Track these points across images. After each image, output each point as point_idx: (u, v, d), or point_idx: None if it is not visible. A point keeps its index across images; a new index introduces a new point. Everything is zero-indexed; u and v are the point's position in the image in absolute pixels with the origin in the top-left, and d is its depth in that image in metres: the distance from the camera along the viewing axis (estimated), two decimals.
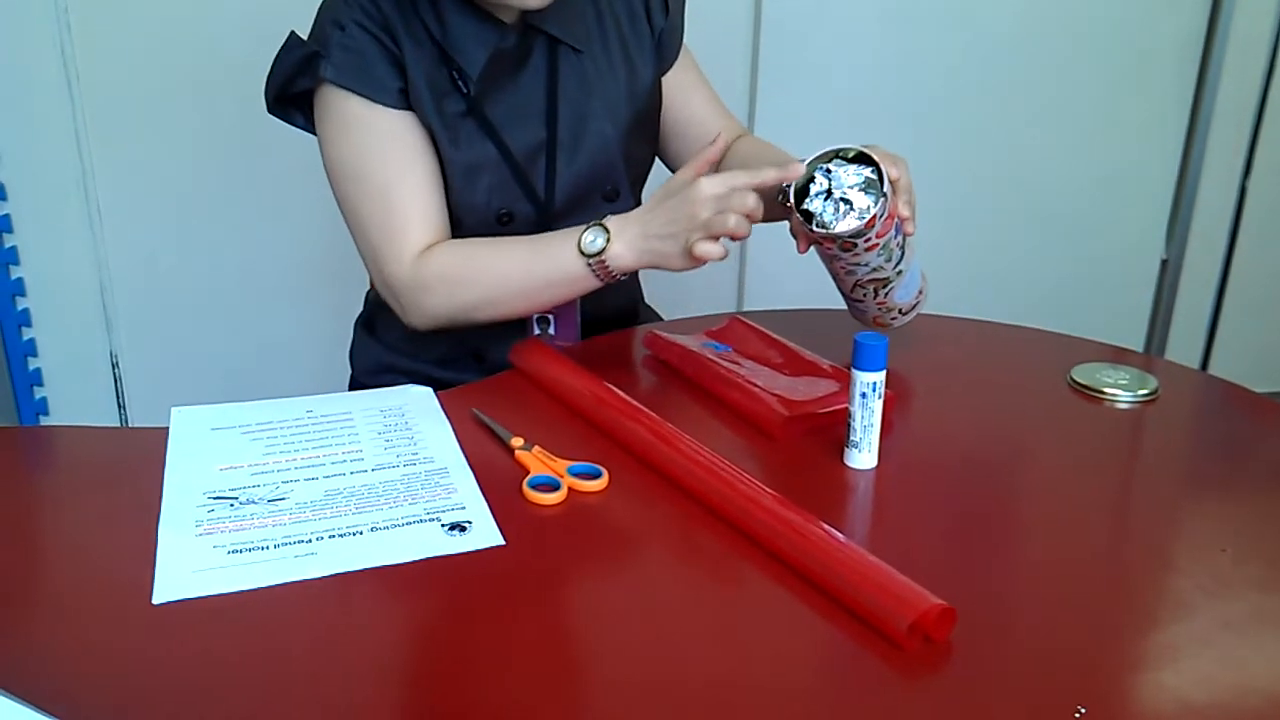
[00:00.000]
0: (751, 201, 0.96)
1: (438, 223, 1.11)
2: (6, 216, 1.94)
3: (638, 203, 1.22)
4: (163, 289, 2.04)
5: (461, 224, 1.14)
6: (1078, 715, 0.62)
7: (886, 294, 1.06)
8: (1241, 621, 0.71)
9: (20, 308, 1.99)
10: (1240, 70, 2.27)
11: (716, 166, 1.23)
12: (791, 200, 0.97)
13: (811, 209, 0.96)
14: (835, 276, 1.07)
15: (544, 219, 1.15)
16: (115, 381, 2.09)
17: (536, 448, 0.91)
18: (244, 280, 2.07)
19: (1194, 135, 2.32)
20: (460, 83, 1.09)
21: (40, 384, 2.05)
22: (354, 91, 1.07)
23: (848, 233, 0.95)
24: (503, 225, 1.14)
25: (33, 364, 2.03)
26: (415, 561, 0.77)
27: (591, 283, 1.03)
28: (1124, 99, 2.27)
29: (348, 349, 1.31)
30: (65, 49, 1.87)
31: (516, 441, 0.92)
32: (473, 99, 1.10)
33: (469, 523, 0.81)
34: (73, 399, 2.08)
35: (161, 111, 1.93)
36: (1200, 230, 2.39)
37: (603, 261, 1.01)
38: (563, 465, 0.89)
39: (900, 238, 1.00)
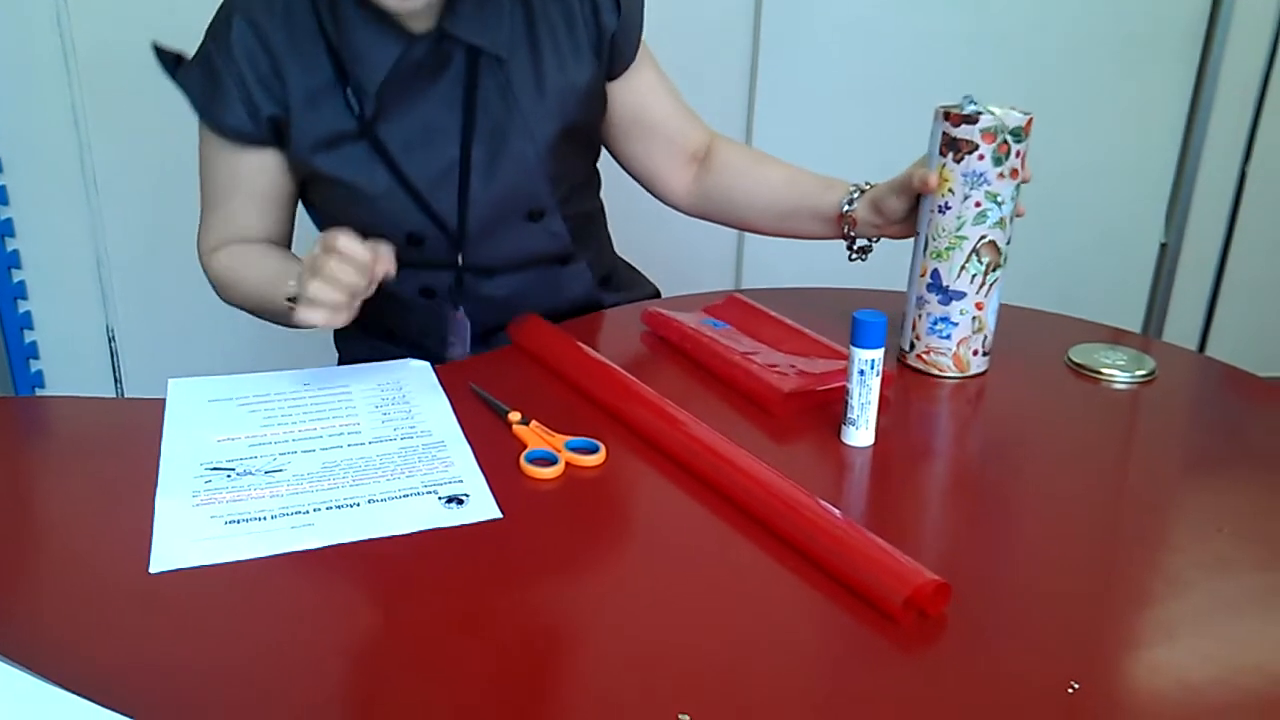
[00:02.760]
0: (346, 275, 0.91)
1: (247, 237, 1.13)
2: (2, 188, 1.93)
3: (571, 219, 1.17)
4: (159, 262, 2.03)
5: (371, 238, 1.10)
6: (1071, 690, 0.62)
7: (995, 276, 1.00)
8: (1238, 599, 0.71)
9: (16, 280, 1.99)
10: (1242, 56, 2.27)
11: (700, 172, 1.23)
12: (943, 117, 0.98)
13: (974, 111, 0.97)
14: (938, 242, 0.99)
15: (456, 243, 1.11)
16: (112, 355, 2.08)
17: (534, 422, 0.91)
18: None
19: (1195, 120, 2.31)
20: (354, 102, 1.03)
21: (36, 357, 2.05)
22: (198, 114, 1.09)
23: (1012, 126, 0.95)
24: (414, 246, 1.09)
25: (29, 337, 2.03)
26: (412, 534, 0.77)
27: None
28: (1126, 83, 2.26)
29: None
30: (62, 21, 1.85)
31: (514, 416, 0.92)
32: (366, 122, 1.04)
33: (466, 495, 0.81)
34: (69, 372, 2.08)
35: (159, 84, 1.92)
36: (1199, 215, 2.39)
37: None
38: (560, 440, 0.88)
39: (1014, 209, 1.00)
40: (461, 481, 0.83)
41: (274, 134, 1.07)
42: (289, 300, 0.96)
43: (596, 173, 1.26)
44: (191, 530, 0.76)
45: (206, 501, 0.80)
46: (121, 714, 0.57)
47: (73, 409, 1.00)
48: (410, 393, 0.98)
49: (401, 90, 1.05)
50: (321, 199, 1.14)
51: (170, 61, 1.10)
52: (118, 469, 0.86)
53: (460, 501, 0.80)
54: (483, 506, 0.80)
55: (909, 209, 1.04)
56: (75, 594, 0.70)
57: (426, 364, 1.04)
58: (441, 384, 1.00)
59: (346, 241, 0.92)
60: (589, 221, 1.25)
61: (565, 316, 1.18)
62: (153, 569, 0.72)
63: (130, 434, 0.92)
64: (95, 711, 0.58)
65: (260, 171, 1.10)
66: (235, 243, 1.13)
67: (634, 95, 1.19)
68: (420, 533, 0.77)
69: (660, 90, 1.21)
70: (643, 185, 1.26)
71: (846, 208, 1.10)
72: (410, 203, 1.07)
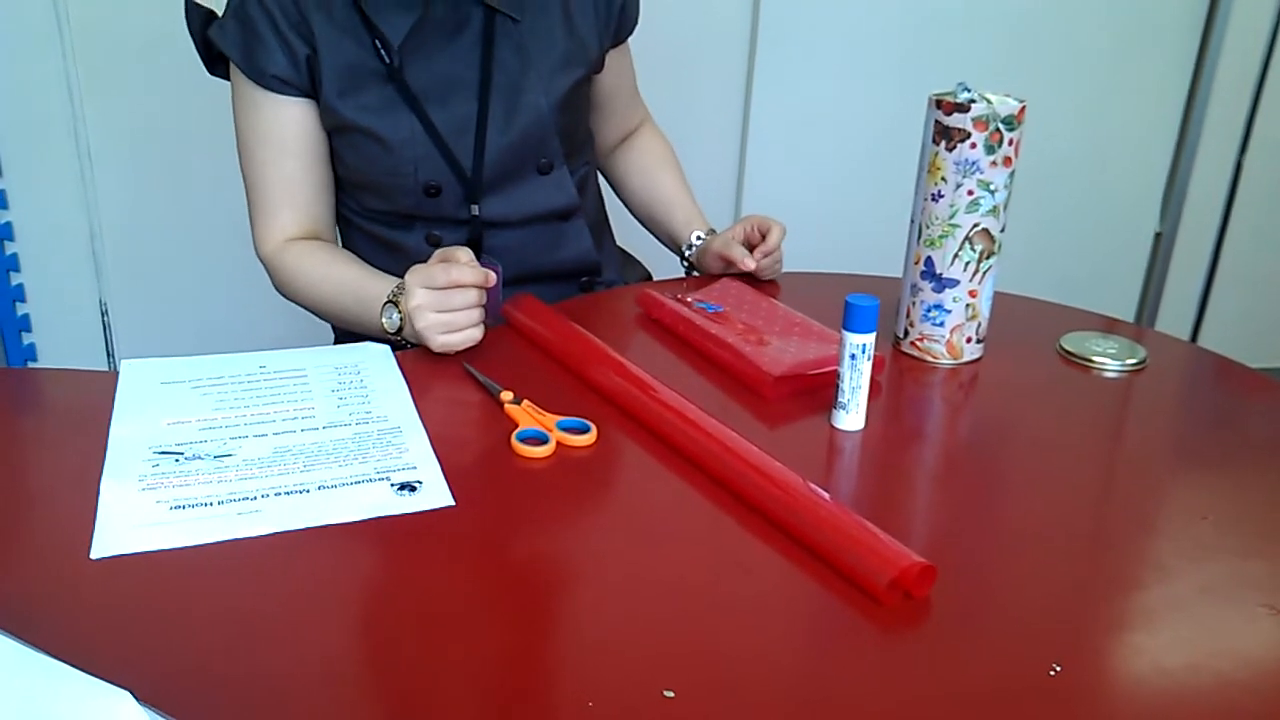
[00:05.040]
0: (466, 299, 0.97)
1: (308, 213, 1.15)
2: None
3: (575, 175, 1.21)
4: (153, 236, 2.03)
5: (388, 190, 1.14)
6: (1053, 673, 0.63)
7: (989, 264, 1.01)
8: (1219, 586, 0.72)
9: (9, 253, 1.98)
10: (1241, 46, 2.26)
11: (618, 148, 1.35)
12: (935, 105, 0.98)
13: (967, 99, 0.97)
14: (930, 232, 1.00)
15: (472, 193, 1.14)
16: (105, 329, 2.08)
17: (526, 402, 0.91)
18: (235, 228, 2.05)
19: (1192, 110, 2.31)
20: (382, 53, 1.08)
21: (29, 330, 2.05)
22: (238, 67, 1.09)
23: (1004, 114, 0.96)
24: (430, 197, 1.13)
25: (21, 309, 2.03)
26: (366, 520, 0.75)
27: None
28: (1124, 71, 2.26)
29: None
30: None
31: (506, 395, 0.92)
32: (393, 69, 1.09)
33: (419, 483, 0.80)
34: (62, 345, 2.07)
35: (153, 55, 1.91)
36: (1194, 205, 2.39)
37: (403, 339, 1.03)
38: (552, 420, 0.89)
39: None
40: (415, 468, 0.82)
41: (310, 80, 1.09)
42: (393, 334, 1.03)
43: (590, 133, 1.30)
44: (136, 516, 0.75)
45: (153, 486, 0.78)
46: (116, 684, 0.58)
47: (61, 381, 1.00)
48: (368, 377, 0.97)
49: (423, 45, 1.09)
50: (344, 152, 1.15)
51: (199, 20, 1.12)
52: (72, 446, 0.85)
53: (413, 488, 0.79)
54: (435, 493, 0.79)
55: (725, 269, 1.21)
56: (21, 572, 0.70)
57: (386, 347, 1.03)
58: (400, 368, 0.99)
59: (456, 273, 0.97)
60: (586, 180, 1.28)
61: (563, 274, 1.24)
62: (94, 554, 0.71)
63: (91, 409, 0.90)
64: (86, 681, 0.58)
65: (303, 123, 1.12)
66: (303, 238, 1.15)
67: (609, 69, 1.26)
68: (380, 518, 0.75)
69: (628, 71, 1.32)
70: None
71: (687, 251, 1.29)
72: (433, 149, 1.11)
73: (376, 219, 1.19)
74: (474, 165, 1.13)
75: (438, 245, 1.16)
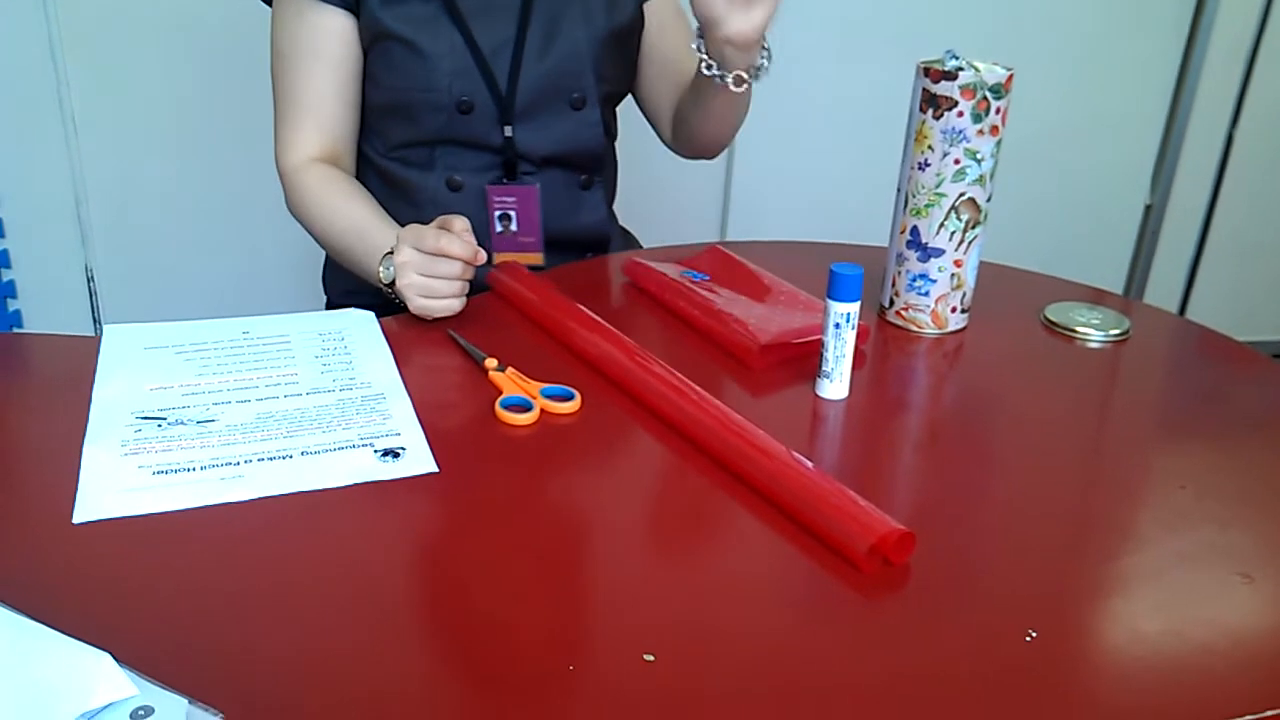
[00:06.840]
0: (450, 269, 0.97)
1: (332, 131, 1.16)
2: None
3: (609, 120, 1.22)
4: (140, 202, 2.02)
5: (420, 110, 1.14)
6: (1028, 639, 0.63)
7: (974, 233, 1.01)
8: (1195, 554, 0.72)
9: None
10: (1233, 18, 2.26)
11: (650, 87, 1.27)
12: (923, 73, 0.98)
13: (955, 67, 0.97)
14: (913, 198, 1.00)
15: (505, 114, 1.15)
16: (91, 296, 2.07)
17: (510, 369, 0.91)
18: (223, 194, 2.04)
19: (1184, 83, 2.31)
20: None
21: (14, 297, 2.04)
22: None
23: (992, 82, 0.95)
24: (463, 113, 1.13)
25: (6, 276, 2.02)
26: (349, 486, 0.75)
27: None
28: (1116, 42, 2.25)
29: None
30: None
31: (491, 362, 0.92)
32: None
33: (403, 449, 0.80)
34: (48, 312, 2.06)
35: (139, 19, 1.89)
36: (1185, 178, 2.39)
37: (394, 294, 1.02)
38: (536, 387, 0.89)
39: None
40: (399, 434, 0.82)
41: None
42: (386, 285, 1.02)
43: (615, 115, 1.28)
44: (118, 481, 0.74)
45: (135, 451, 0.78)
46: (99, 647, 0.58)
47: (44, 346, 0.99)
48: (353, 343, 0.97)
49: None
50: (378, 68, 1.15)
51: None
52: (54, 412, 0.84)
53: (396, 455, 0.79)
54: (419, 460, 0.79)
55: (728, 34, 1.03)
56: (5, 538, 0.69)
57: (371, 314, 1.03)
58: (385, 334, 0.99)
59: (445, 241, 0.96)
60: (610, 149, 1.27)
61: (576, 242, 1.24)
62: (76, 519, 0.71)
63: (89, 374, 0.90)
64: (65, 641, 0.58)
65: (342, 35, 1.12)
66: (325, 160, 1.15)
67: (654, 24, 1.24)
68: (361, 484, 0.75)
69: (678, 25, 1.26)
70: (649, 123, 1.32)
71: (702, 61, 1.09)
72: (471, 64, 1.12)
73: (396, 155, 1.19)
74: (509, 86, 1.14)
75: (458, 190, 1.18)
